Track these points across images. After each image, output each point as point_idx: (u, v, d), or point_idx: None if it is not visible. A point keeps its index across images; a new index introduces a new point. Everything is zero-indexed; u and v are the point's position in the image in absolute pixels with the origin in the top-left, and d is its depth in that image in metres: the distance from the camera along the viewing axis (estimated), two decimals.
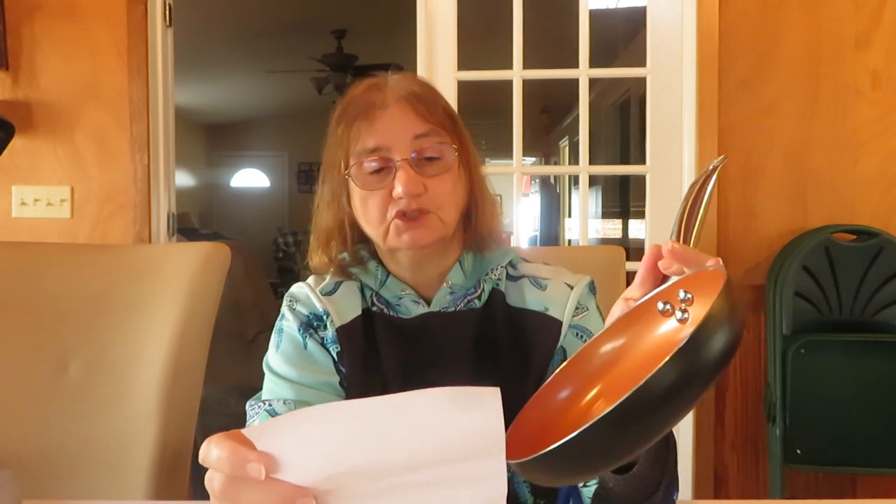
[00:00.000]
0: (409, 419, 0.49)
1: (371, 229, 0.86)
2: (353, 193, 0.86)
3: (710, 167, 0.62)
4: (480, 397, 0.48)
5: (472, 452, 0.48)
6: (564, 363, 0.59)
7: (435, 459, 0.49)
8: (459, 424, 0.48)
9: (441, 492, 0.50)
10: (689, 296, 0.55)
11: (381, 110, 0.84)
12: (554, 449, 0.45)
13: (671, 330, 0.57)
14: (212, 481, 0.51)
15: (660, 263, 0.57)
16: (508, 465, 0.49)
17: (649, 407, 0.44)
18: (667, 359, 0.44)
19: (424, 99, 0.85)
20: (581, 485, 0.71)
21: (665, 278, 0.58)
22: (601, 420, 0.44)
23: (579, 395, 0.58)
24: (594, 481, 0.69)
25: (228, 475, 0.50)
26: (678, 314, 0.56)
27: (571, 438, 0.45)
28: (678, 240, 0.59)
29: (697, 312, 0.55)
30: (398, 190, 0.81)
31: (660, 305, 0.57)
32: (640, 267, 0.60)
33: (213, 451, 0.51)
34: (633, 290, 0.60)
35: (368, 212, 0.85)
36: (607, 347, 0.59)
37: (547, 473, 0.49)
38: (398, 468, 0.49)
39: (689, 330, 0.46)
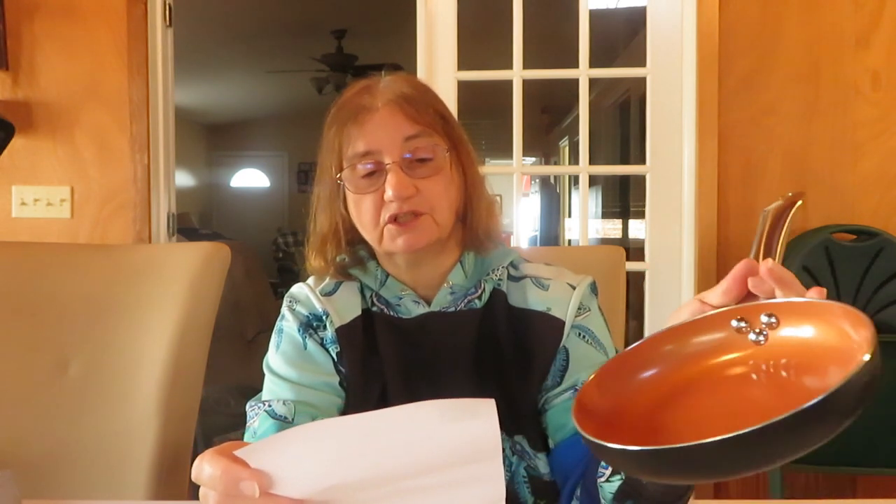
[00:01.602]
0: (405, 431, 0.49)
1: (366, 233, 0.86)
2: (347, 197, 0.87)
3: (792, 198, 0.62)
4: (476, 407, 0.49)
5: (469, 458, 0.49)
6: (657, 333, 0.58)
7: (432, 466, 0.49)
8: (456, 433, 0.48)
9: (439, 496, 0.50)
10: (774, 320, 0.55)
11: (371, 113, 0.84)
12: (672, 449, 0.44)
13: (745, 349, 0.56)
14: (206, 498, 0.51)
15: (750, 280, 0.57)
16: (617, 448, 0.47)
17: (820, 421, 0.44)
18: (848, 376, 0.43)
19: (414, 100, 0.85)
20: (603, 479, 0.71)
21: (749, 295, 0.58)
22: (770, 425, 0.42)
23: (662, 381, 0.57)
24: (618, 477, 0.68)
25: (222, 493, 0.50)
26: (752, 336, 0.56)
27: (726, 438, 0.43)
28: (757, 257, 0.59)
29: (776, 340, 0.55)
30: (389, 193, 0.81)
31: (734, 323, 0.56)
32: (728, 277, 0.59)
33: (206, 469, 0.51)
34: (713, 297, 0.59)
35: (362, 215, 0.85)
36: (695, 340, 0.58)
37: (652, 470, 0.48)
38: (396, 476, 0.49)
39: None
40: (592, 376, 0.57)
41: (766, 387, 0.54)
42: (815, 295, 0.54)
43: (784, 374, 0.54)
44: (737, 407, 0.54)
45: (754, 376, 0.55)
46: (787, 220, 0.61)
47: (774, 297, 0.56)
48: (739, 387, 0.55)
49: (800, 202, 0.62)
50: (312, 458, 0.50)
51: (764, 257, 0.59)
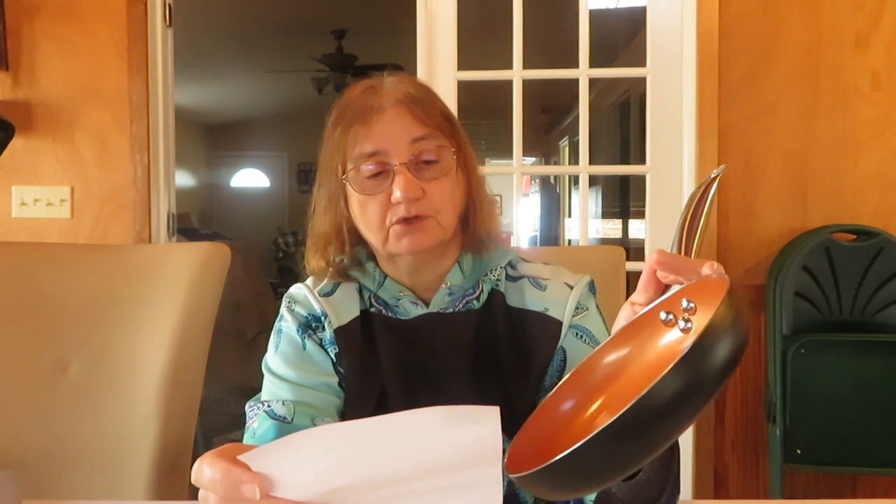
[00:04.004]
0: (408, 435, 0.50)
1: (370, 234, 0.86)
2: (351, 198, 0.86)
3: (711, 176, 0.61)
4: (479, 414, 0.49)
5: (470, 462, 0.49)
6: (568, 374, 0.58)
7: (433, 470, 0.49)
8: (457, 439, 0.49)
9: (438, 498, 0.50)
10: (692, 305, 0.55)
11: (378, 114, 0.83)
12: (554, 463, 0.44)
13: (675, 340, 0.56)
14: (206, 500, 0.51)
15: (657, 274, 0.57)
16: (510, 477, 0.48)
17: (651, 418, 0.43)
18: (668, 369, 0.43)
19: (421, 102, 0.85)
20: None
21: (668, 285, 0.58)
22: (601, 433, 0.43)
23: (583, 406, 0.57)
24: None
25: (223, 496, 0.50)
26: (681, 324, 0.55)
27: (571, 452, 0.44)
28: (679, 250, 0.58)
29: (701, 322, 0.54)
30: (396, 195, 0.81)
31: (662, 315, 0.56)
32: (642, 273, 0.59)
33: (206, 472, 0.51)
34: (638, 296, 0.60)
35: (367, 217, 0.84)
36: (611, 358, 0.58)
37: (548, 487, 0.48)
38: (397, 479, 0.50)
39: (691, 339, 0.46)
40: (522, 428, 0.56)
41: None
42: (706, 270, 0.54)
43: None
44: None
45: None
46: (708, 200, 0.60)
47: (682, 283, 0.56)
48: None
49: (716, 175, 0.61)
50: (314, 462, 0.50)
51: (680, 242, 0.59)
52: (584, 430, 0.55)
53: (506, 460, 0.51)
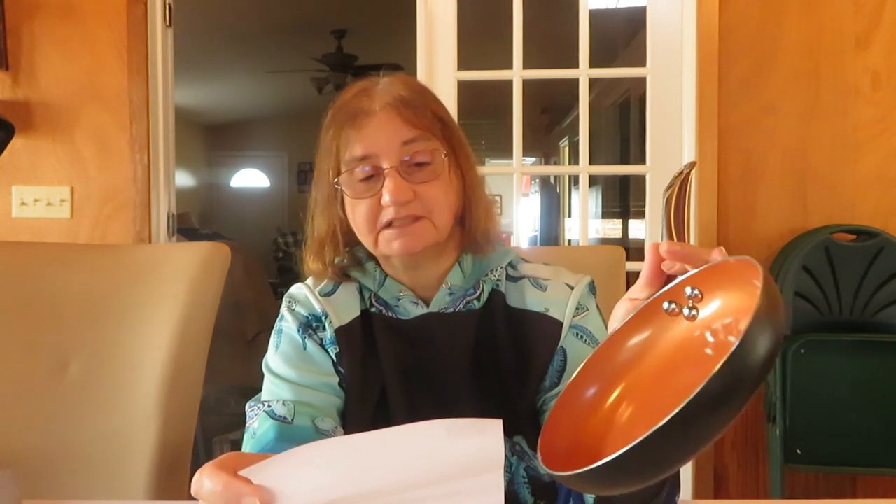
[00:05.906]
0: (411, 446, 0.50)
1: (363, 237, 0.86)
2: (345, 200, 0.87)
3: (684, 169, 0.62)
4: (482, 426, 0.49)
5: (472, 470, 0.49)
6: (587, 359, 0.59)
7: (435, 478, 0.50)
8: (460, 448, 0.49)
9: None
10: (697, 292, 0.55)
11: (369, 117, 0.83)
12: (603, 465, 0.45)
13: (685, 327, 0.57)
14: None
15: (662, 265, 0.57)
16: (552, 475, 0.49)
17: (703, 416, 0.43)
18: (719, 366, 0.43)
19: (412, 104, 0.84)
20: None
21: (670, 278, 0.58)
22: (654, 434, 0.43)
23: (604, 394, 0.58)
24: None
25: None
26: (686, 311, 0.56)
27: (618, 456, 0.44)
28: (672, 240, 0.59)
29: (707, 309, 0.55)
30: (386, 198, 0.81)
31: (665, 305, 0.57)
32: (644, 268, 0.59)
33: (206, 484, 0.51)
34: (638, 291, 0.60)
35: (359, 219, 0.85)
36: (629, 343, 0.59)
37: (592, 486, 0.49)
38: (399, 488, 0.50)
39: (744, 323, 0.45)
40: (547, 419, 0.57)
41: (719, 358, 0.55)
42: (717, 256, 0.54)
43: (731, 338, 0.54)
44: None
45: (708, 351, 0.55)
46: (687, 191, 0.61)
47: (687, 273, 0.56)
48: (697, 367, 0.55)
49: (692, 171, 0.62)
50: (316, 474, 0.50)
51: (671, 234, 0.60)
52: (608, 420, 0.56)
53: (539, 455, 0.52)
